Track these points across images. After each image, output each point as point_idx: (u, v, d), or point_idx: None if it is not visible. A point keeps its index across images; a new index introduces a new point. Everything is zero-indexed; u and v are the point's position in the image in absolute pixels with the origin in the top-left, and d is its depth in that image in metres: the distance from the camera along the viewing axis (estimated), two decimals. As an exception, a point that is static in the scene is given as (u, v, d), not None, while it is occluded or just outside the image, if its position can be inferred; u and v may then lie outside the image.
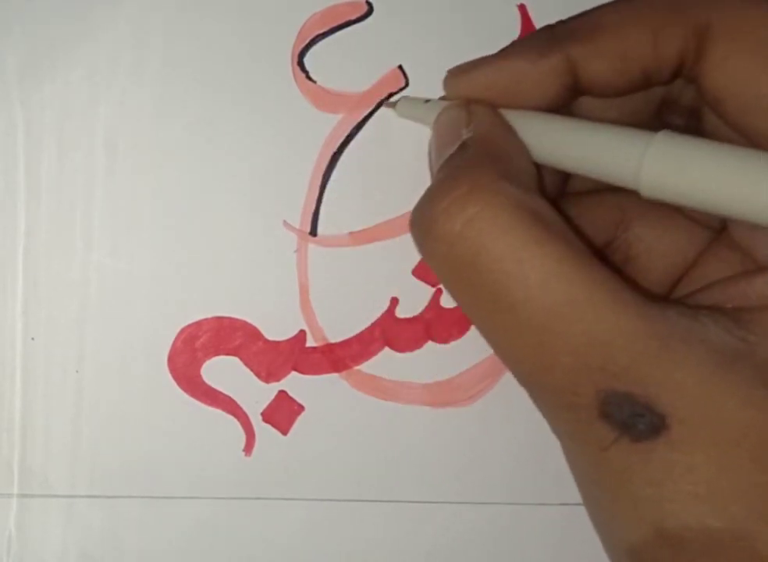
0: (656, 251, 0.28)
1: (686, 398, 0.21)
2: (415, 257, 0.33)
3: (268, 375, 0.32)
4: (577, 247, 0.23)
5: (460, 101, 0.28)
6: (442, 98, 0.30)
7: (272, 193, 0.32)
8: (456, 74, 0.28)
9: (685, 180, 0.23)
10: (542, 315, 0.22)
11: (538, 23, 0.34)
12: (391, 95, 0.33)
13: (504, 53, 0.27)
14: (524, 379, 0.23)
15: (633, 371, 0.21)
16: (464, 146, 0.25)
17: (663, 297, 0.27)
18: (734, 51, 0.23)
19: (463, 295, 0.24)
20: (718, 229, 0.28)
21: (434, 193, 0.24)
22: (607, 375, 0.21)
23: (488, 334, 0.24)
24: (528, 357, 0.23)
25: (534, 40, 0.27)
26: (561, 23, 0.26)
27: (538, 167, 0.26)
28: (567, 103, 0.27)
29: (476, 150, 0.25)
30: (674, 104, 0.27)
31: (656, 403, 0.21)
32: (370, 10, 0.33)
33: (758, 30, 0.23)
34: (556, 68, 0.25)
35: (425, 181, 0.33)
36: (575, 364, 0.22)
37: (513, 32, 0.34)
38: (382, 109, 0.33)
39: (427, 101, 0.30)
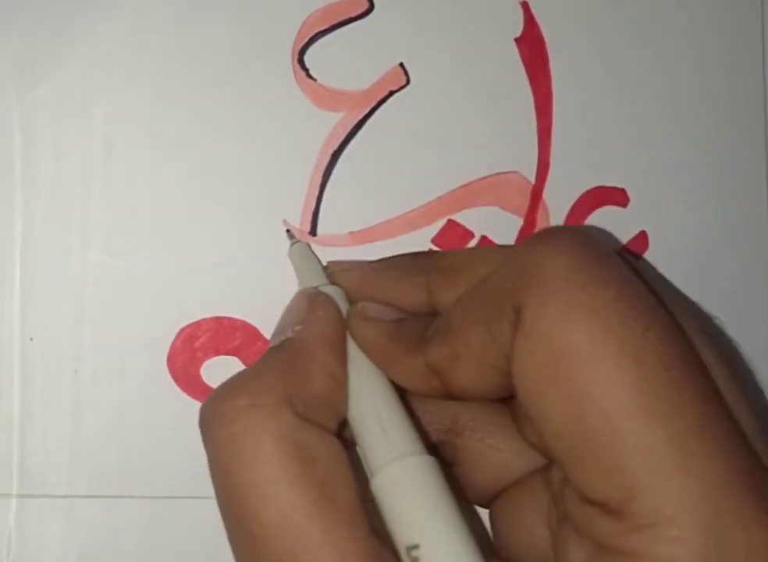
0: (482, 462, 0.28)
1: None
2: (415, 256, 0.33)
3: (267, 375, 0.32)
4: (333, 496, 0.22)
5: (310, 294, 0.28)
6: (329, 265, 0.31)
7: (272, 193, 0.32)
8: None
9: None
10: (274, 557, 0.22)
11: (541, 20, 0.34)
12: (392, 93, 0.33)
13: (391, 326, 0.27)
14: None
15: None
16: (281, 347, 0.26)
17: None
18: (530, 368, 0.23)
19: (218, 499, 0.24)
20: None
21: (226, 388, 0.25)
22: None
23: (233, 551, 0.24)
24: None
25: (413, 329, 0.26)
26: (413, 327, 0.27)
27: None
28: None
29: (286, 358, 0.25)
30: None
31: None
32: (371, 7, 0.33)
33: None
34: (418, 367, 0.25)
35: (425, 181, 0.33)
36: None
37: (516, 29, 0.34)
38: (383, 109, 0.33)
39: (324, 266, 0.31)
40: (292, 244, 0.32)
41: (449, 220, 0.33)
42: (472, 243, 0.34)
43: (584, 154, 0.35)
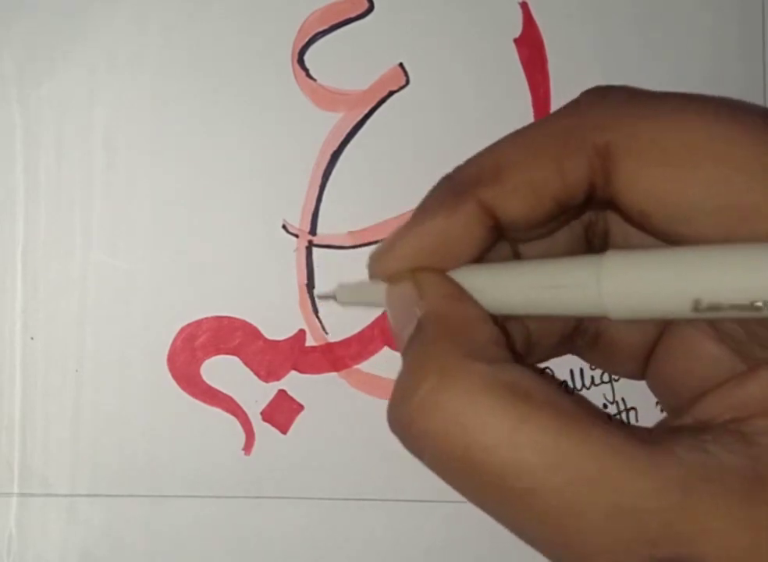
0: (624, 341, 0.27)
1: (725, 547, 0.20)
2: (415, 256, 0.33)
3: (267, 374, 0.32)
4: (566, 410, 0.21)
5: (406, 273, 0.26)
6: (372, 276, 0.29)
7: (272, 192, 0.32)
8: (378, 256, 0.27)
9: (648, 295, 0.22)
10: (554, 499, 0.20)
11: (540, 20, 0.34)
12: (392, 93, 0.33)
13: (417, 218, 0.26)
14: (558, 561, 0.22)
15: (669, 535, 0.20)
16: (419, 326, 0.24)
17: (668, 428, 0.24)
18: (642, 167, 0.23)
19: (464, 489, 0.22)
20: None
21: (403, 388, 0.23)
22: (644, 544, 0.20)
23: (507, 525, 0.22)
24: (554, 544, 0.21)
25: (439, 195, 0.26)
26: (461, 168, 0.26)
27: (501, 321, 0.25)
28: (495, 243, 0.26)
29: (433, 329, 0.24)
30: (594, 226, 0.27)
31: (701, 558, 0.20)
32: (370, 8, 0.33)
33: (656, 141, 0.23)
34: (472, 216, 0.24)
35: (424, 181, 0.33)
36: (607, 542, 0.20)
37: (515, 29, 0.34)
38: (382, 109, 0.33)
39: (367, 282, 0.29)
40: (336, 297, 0.29)
41: (449, 220, 0.33)
42: (471, 243, 0.34)
43: (583, 155, 0.35)
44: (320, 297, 0.32)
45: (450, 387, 0.22)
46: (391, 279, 0.26)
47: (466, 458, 0.21)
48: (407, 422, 0.22)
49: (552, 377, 0.24)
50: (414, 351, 0.24)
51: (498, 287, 0.25)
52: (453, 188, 0.25)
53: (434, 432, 0.22)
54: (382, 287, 0.27)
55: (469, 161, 0.26)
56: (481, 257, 0.25)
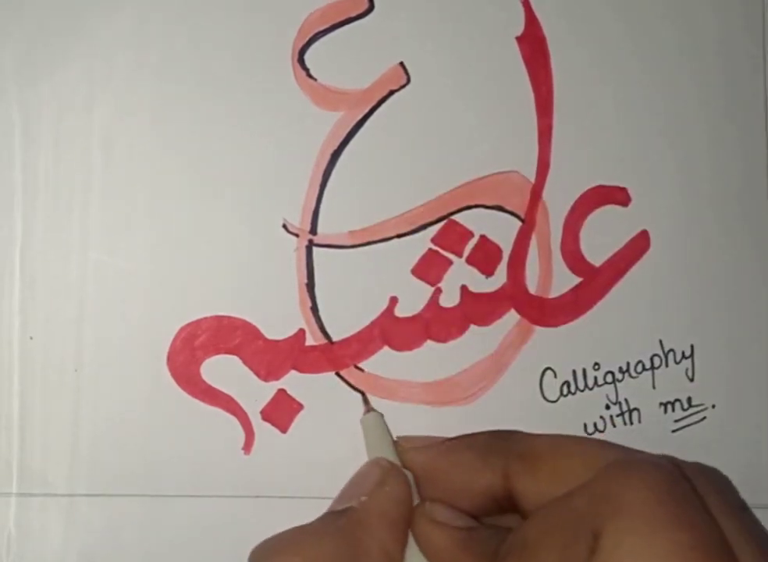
0: None
1: None
2: (415, 256, 0.33)
3: (267, 373, 0.32)
4: None
5: (383, 466, 0.29)
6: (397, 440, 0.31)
7: (272, 192, 0.32)
8: (424, 515, 0.28)
9: None
10: None
11: (542, 18, 0.34)
12: (392, 92, 0.33)
13: (464, 534, 0.27)
14: None
15: None
16: (342, 514, 0.27)
17: None
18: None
19: None
20: None
21: (281, 542, 0.26)
22: None
23: None
24: None
25: (487, 542, 0.27)
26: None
27: None
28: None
29: (345, 527, 0.26)
30: None
31: None
32: (371, 7, 0.33)
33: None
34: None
35: (425, 180, 0.33)
36: None
37: (517, 28, 0.34)
38: (383, 108, 0.33)
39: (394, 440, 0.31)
40: (366, 412, 0.32)
41: (449, 220, 0.33)
42: (471, 243, 0.34)
43: (585, 154, 0.35)
44: (364, 401, 0.32)
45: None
46: (392, 465, 0.30)
47: None
48: None
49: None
50: (321, 527, 0.27)
51: None
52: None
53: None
54: (377, 454, 0.30)
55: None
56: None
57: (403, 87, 0.33)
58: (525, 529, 0.25)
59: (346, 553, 0.25)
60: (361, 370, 0.33)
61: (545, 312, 0.34)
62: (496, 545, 0.26)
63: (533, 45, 0.34)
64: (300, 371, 0.32)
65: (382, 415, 0.32)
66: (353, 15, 0.33)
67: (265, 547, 0.25)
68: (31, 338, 0.31)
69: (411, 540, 0.27)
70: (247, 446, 0.32)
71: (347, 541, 0.25)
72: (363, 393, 0.32)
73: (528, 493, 0.27)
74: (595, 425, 0.33)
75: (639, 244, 0.35)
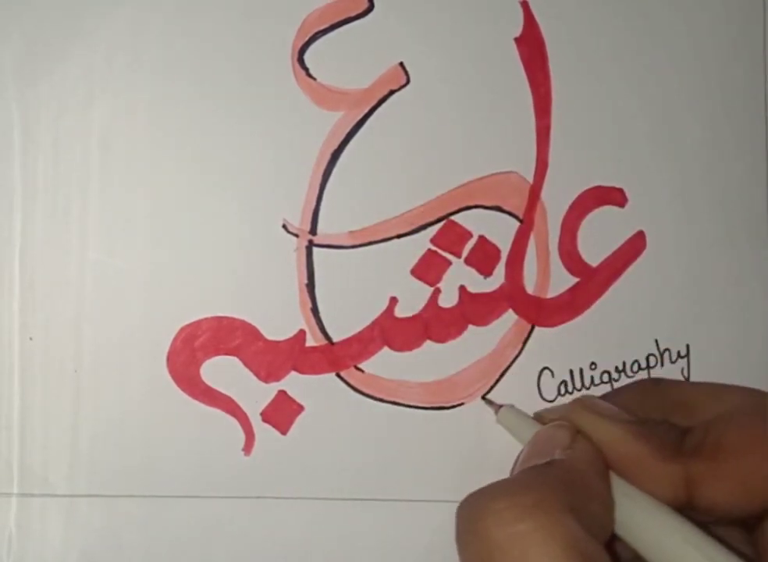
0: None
1: None
2: (414, 256, 0.33)
3: (267, 374, 0.32)
4: None
5: (569, 426, 0.28)
6: (538, 416, 0.31)
7: (272, 192, 0.32)
8: (587, 408, 0.28)
9: None
10: None
11: (541, 20, 0.34)
12: (392, 92, 0.33)
13: (637, 427, 0.27)
14: None
15: None
16: (550, 464, 0.25)
17: None
18: None
19: None
20: None
21: (497, 488, 0.23)
22: None
23: None
24: None
25: (664, 435, 0.26)
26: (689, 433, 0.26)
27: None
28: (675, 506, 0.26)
29: (560, 474, 0.25)
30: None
31: None
32: (371, 7, 0.33)
33: None
34: (673, 476, 0.25)
35: (425, 180, 0.33)
36: None
37: (516, 29, 0.34)
38: (382, 108, 0.33)
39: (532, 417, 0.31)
40: (497, 410, 0.32)
41: (448, 220, 0.33)
42: (470, 244, 0.34)
43: (583, 154, 0.35)
44: (488, 402, 0.33)
45: (537, 518, 0.22)
46: (552, 424, 0.29)
47: None
48: (476, 515, 0.23)
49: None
50: (529, 474, 0.25)
51: (637, 515, 0.26)
52: (674, 443, 0.26)
53: (492, 539, 0.22)
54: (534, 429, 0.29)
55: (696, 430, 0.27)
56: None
57: (402, 87, 0.33)
58: (719, 430, 0.25)
59: (572, 497, 0.23)
60: (361, 371, 0.33)
61: (542, 312, 0.34)
62: (675, 438, 0.25)
63: (531, 46, 0.34)
64: (301, 372, 0.32)
65: (512, 405, 0.32)
66: (352, 15, 0.33)
67: (481, 495, 0.24)
68: (31, 338, 0.31)
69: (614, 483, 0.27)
70: (248, 448, 0.32)
71: (568, 486, 0.24)
72: (484, 398, 0.33)
73: (714, 498, 0.25)
74: (592, 424, 0.34)
75: (636, 245, 0.35)
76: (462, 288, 0.34)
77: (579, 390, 0.34)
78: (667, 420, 0.28)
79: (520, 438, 0.31)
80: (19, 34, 0.30)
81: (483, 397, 0.33)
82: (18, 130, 0.31)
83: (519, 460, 0.28)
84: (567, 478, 0.25)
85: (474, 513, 0.23)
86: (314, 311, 0.32)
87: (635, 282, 0.35)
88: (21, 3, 0.30)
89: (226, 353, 0.32)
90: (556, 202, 0.34)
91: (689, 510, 0.26)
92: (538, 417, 0.31)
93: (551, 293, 0.34)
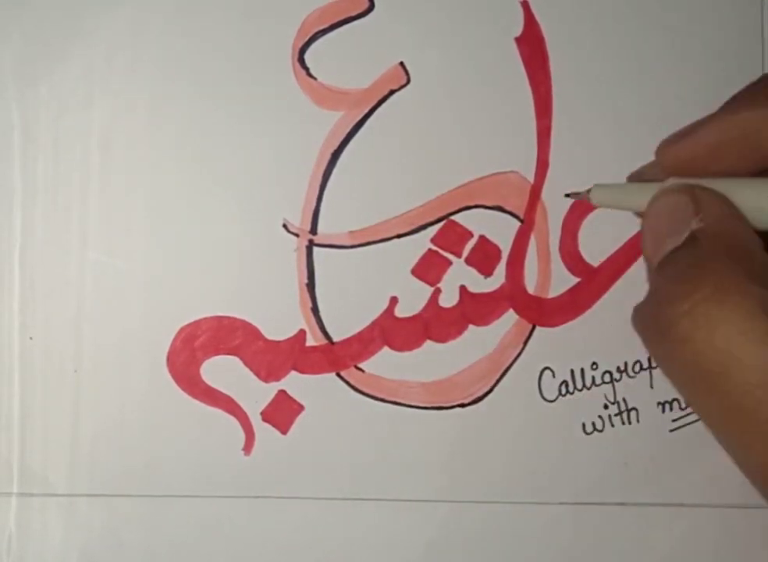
0: None
1: None
2: (414, 256, 0.33)
3: (267, 374, 0.32)
4: None
5: (681, 186, 0.25)
6: (632, 178, 0.28)
7: (272, 192, 0.32)
8: (674, 140, 0.26)
9: None
10: None
11: (542, 20, 0.34)
12: (392, 92, 0.33)
13: (726, 109, 0.24)
14: None
15: None
16: (693, 239, 0.23)
17: None
18: None
19: (706, 404, 0.22)
20: None
21: (670, 292, 0.22)
22: None
23: (733, 446, 0.22)
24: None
25: (756, 88, 0.24)
26: None
27: None
28: None
29: (711, 245, 0.23)
30: None
31: None
32: (371, 6, 0.33)
33: None
34: None
35: (425, 180, 0.33)
36: None
37: (516, 28, 0.34)
38: (383, 108, 0.33)
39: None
40: (589, 197, 0.29)
41: (449, 220, 0.33)
42: (471, 243, 0.34)
43: (583, 154, 0.35)
44: (571, 195, 0.30)
45: (725, 302, 0.21)
46: (663, 190, 0.25)
47: (723, 374, 0.21)
48: (667, 325, 0.22)
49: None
50: (684, 262, 0.23)
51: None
52: None
53: (698, 340, 0.21)
54: (647, 192, 0.26)
55: None
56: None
57: (403, 86, 0.33)
58: None
59: (737, 269, 0.22)
60: (362, 371, 0.33)
61: (543, 312, 0.34)
62: None
63: (532, 46, 0.34)
64: (301, 371, 0.32)
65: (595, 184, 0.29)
66: (353, 14, 0.33)
67: (658, 310, 0.22)
68: (31, 338, 0.31)
69: None
70: (248, 447, 0.32)
71: (728, 257, 0.22)
72: (569, 194, 0.30)
73: None
74: (593, 424, 0.34)
75: (637, 245, 0.35)
76: (462, 288, 0.34)
77: (580, 390, 0.34)
78: None
79: (629, 206, 0.28)
80: (19, 35, 0.30)
81: (567, 194, 0.30)
82: (18, 130, 0.31)
83: (646, 241, 0.25)
84: (719, 246, 0.23)
85: (662, 324, 0.22)
86: (315, 310, 0.32)
87: (636, 282, 0.35)
88: (21, 3, 0.30)
89: (226, 353, 0.32)
90: (556, 202, 0.34)
91: None
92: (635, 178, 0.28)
93: (552, 293, 0.34)
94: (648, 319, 0.23)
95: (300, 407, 0.32)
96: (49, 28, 0.31)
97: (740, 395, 0.21)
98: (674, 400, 0.34)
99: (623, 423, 0.34)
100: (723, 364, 0.21)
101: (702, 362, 0.21)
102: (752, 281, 0.21)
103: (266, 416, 0.32)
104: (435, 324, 0.33)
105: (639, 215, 0.27)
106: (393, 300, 0.33)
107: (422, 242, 0.33)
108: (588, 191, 0.29)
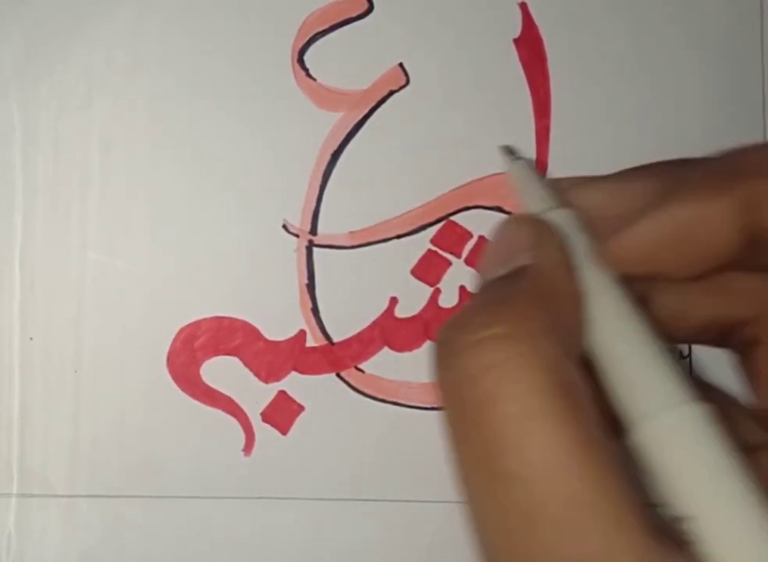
0: None
1: None
2: (414, 256, 0.33)
3: (267, 374, 0.32)
4: (600, 441, 0.19)
5: (534, 219, 0.24)
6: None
7: (272, 192, 0.32)
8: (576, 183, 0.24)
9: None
10: (537, 505, 0.19)
11: (540, 21, 0.34)
12: (392, 93, 0.33)
13: (664, 199, 0.22)
14: None
15: None
16: (521, 273, 0.22)
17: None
18: None
19: (457, 438, 0.21)
20: None
21: (470, 318, 0.21)
22: None
23: (471, 497, 0.21)
24: (511, 544, 0.19)
25: (696, 179, 0.22)
26: (731, 153, 0.22)
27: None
28: (738, 258, 0.22)
29: (532, 285, 0.22)
30: None
31: None
32: (370, 7, 0.33)
33: None
34: (732, 212, 0.21)
35: (424, 181, 0.33)
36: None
37: (515, 30, 0.34)
38: (382, 109, 0.33)
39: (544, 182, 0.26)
40: (512, 161, 0.27)
41: (448, 221, 0.33)
42: (470, 244, 0.34)
43: (582, 156, 0.35)
44: (505, 151, 0.28)
45: (511, 348, 0.20)
46: (541, 218, 0.24)
47: (478, 412, 0.20)
48: (451, 347, 0.21)
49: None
50: (498, 293, 0.22)
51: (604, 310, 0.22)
52: (718, 173, 0.22)
53: (467, 371, 0.20)
54: (535, 205, 0.24)
55: (750, 149, 0.22)
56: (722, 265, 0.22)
57: (402, 87, 0.33)
58: None
59: (545, 312, 0.21)
60: (362, 371, 0.33)
61: (543, 312, 0.34)
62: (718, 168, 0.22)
63: (530, 47, 0.34)
64: (301, 372, 0.32)
65: (532, 162, 0.28)
66: (352, 15, 0.33)
67: (454, 325, 0.21)
68: (31, 339, 0.31)
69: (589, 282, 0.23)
70: (248, 448, 0.32)
71: (541, 299, 0.21)
72: (506, 147, 0.29)
73: None
74: (593, 424, 0.34)
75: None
76: (462, 288, 0.34)
77: (579, 390, 0.34)
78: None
79: (525, 201, 0.26)
80: (20, 35, 0.31)
81: (505, 147, 0.28)
82: (19, 131, 0.31)
83: (483, 260, 0.24)
84: (539, 290, 0.22)
85: (448, 345, 0.21)
86: (315, 311, 0.33)
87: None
88: (21, 3, 0.30)
89: (226, 354, 0.32)
90: (555, 203, 0.34)
91: (755, 251, 0.22)
92: (556, 182, 0.26)
93: (551, 294, 0.34)
94: (438, 338, 0.22)
95: (300, 408, 0.32)
96: (50, 28, 0.31)
97: (485, 439, 0.20)
98: (674, 399, 0.34)
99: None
100: (481, 403, 0.20)
101: (461, 394, 0.20)
102: (549, 337, 0.20)
103: (266, 416, 0.32)
104: (435, 324, 0.33)
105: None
106: (393, 301, 0.33)
107: (422, 242, 0.33)
108: (519, 159, 0.27)
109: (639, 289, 0.23)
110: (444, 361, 0.21)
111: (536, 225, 0.23)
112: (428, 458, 0.33)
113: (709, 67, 0.35)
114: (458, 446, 0.21)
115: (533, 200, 0.25)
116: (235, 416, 0.32)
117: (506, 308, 0.21)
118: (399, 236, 0.33)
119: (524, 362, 0.20)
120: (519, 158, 0.27)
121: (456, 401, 0.20)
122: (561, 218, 0.24)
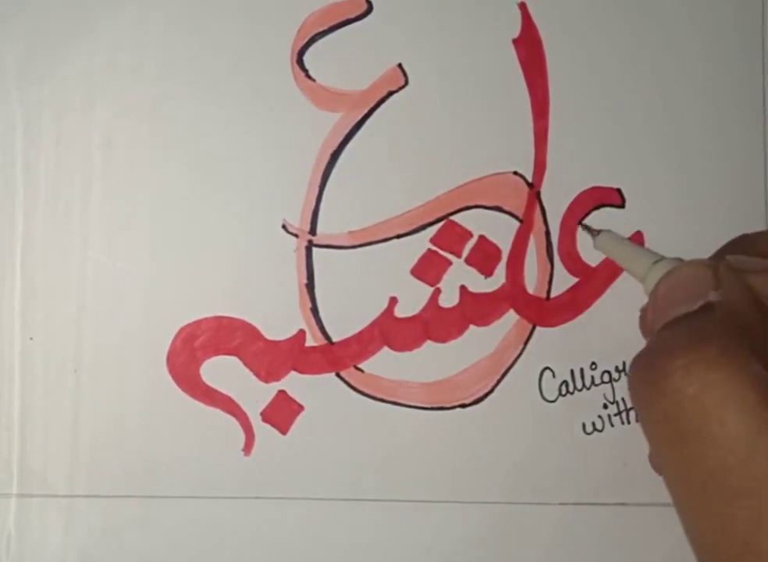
0: None
1: None
2: (414, 256, 0.33)
3: (267, 374, 0.32)
4: None
5: (705, 261, 0.27)
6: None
7: (272, 193, 0.32)
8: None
9: None
10: (764, 518, 0.20)
11: (539, 22, 0.34)
12: (391, 93, 0.33)
13: None
14: None
15: None
16: (709, 307, 0.24)
17: None
18: None
19: (678, 460, 0.22)
20: None
21: (673, 345, 0.23)
22: None
23: (687, 506, 0.22)
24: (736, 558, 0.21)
25: None
26: None
27: None
28: None
29: (725, 316, 0.24)
30: None
31: None
32: (369, 8, 0.33)
33: None
34: None
35: (423, 181, 0.34)
36: None
37: (514, 31, 0.34)
38: (381, 109, 0.33)
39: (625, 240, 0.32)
40: (597, 235, 0.33)
41: (448, 220, 0.34)
42: (470, 243, 0.34)
43: (581, 155, 0.35)
44: (582, 227, 0.34)
45: (726, 367, 0.22)
46: (684, 264, 0.27)
47: (700, 433, 0.21)
48: (660, 375, 0.22)
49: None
50: (696, 324, 0.24)
51: None
52: None
53: (684, 395, 0.22)
54: (645, 260, 0.29)
55: None
56: None
57: (401, 88, 0.33)
58: None
59: (743, 343, 0.23)
60: (361, 371, 0.33)
61: (543, 312, 0.34)
62: None
63: (529, 48, 0.34)
64: (301, 372, 0.32)
65: (610, 230, 0.33)
66: (352, 16, 0.33)
67: (657, 357, 0.23)
68: (31, 338, 0.31)
69: None
70: (247, 448, 0.32)
71: (737, 330, 0.23)
72: (585, 225, 0.34)
73: None
74: (593, 424, 0.34)
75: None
76: (463, 288, 0.34)
77: (580, 390, 0.34)
78: None
79: (623, 264, 0.31)
80: (22, 35, 0.31)
81: (580, 223, 0.33)
82: (20, 131, 0.31)
83: (656, 307, 0.26)
84: (732, 319, 0.24)
85: (655, 374, 0.23)
86: (314, 311, 0.33)
87: (635, 282, 0.35)
88: (24, 4, 0.31)
89: (226, 353, 0.32)
90: (554, 202, 0.34)
91: None
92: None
93: (551, 293, 0.34)
94: (642, 366, 0.24)
95: (300, 407, 0.32)
96: (52, 29, 0.31)
97: (711, 456, 0.21)
98: (674, 399, 0.34)
99: (622, 423, 0.34)
100: (703, 423, 0.22)
101: (681, 416, 0.22)
102: (753, 359, 0.22)
103: (266, 416, 0.32)
104: (435, 324, 0.33)
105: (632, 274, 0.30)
106: (393, 301, 0.33)
107: (422, 242, 0.33)
108: (599, 232, 0.33)
109: None
110: (652, 385, 0.22)
111: (713, 269, 0.26)
112: (426, 457, 0.33)
113: (709, 67, 0.35)
114: (679, 465, 0.22)
115: (638, 257, 0.30)
116: (235, 416, 0.32)
117: (709, 333, 0.23)
118: (399, 236, 0.33)
119: (740, 380, 0.21)
120: (599, 230, 0.33)
121: (675, 424, 0.22)
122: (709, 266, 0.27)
